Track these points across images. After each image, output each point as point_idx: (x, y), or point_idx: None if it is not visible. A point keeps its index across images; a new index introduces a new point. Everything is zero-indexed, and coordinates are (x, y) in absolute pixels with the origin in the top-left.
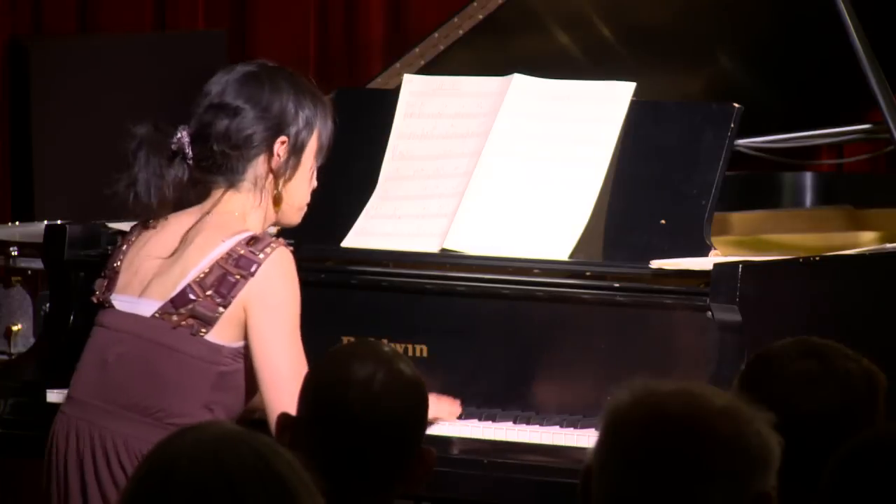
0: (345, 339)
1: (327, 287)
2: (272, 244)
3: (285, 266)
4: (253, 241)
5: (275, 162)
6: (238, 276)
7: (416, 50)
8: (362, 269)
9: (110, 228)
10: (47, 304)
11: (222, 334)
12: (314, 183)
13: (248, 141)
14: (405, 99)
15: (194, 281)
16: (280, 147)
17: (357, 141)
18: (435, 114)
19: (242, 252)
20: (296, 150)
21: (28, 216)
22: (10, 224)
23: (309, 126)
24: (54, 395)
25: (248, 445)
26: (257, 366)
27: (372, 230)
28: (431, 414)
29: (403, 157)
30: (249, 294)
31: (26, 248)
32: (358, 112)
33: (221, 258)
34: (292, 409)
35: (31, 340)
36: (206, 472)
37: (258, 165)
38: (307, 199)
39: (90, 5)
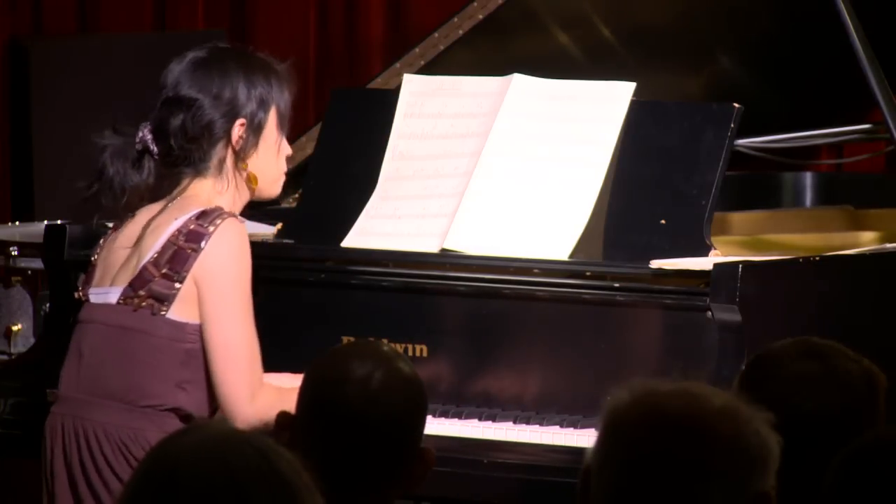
0: (345, 339)
1: (327, 287)
2: (222, 216)
3: (234, 237)
4: (202, 215)
5: (235, 144)
6: (189, 250)
7: (416, 50)
8: (362, 269)
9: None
10: (47, 304)
11: (182, 311)
12: (287, 150)
13: (205, 131)
14: (405, 99)
15: (150, 261)
16: (239, 130)
17: (357, 141)
18: (435, 114)
19: (192, 227)
20: (255, 130)
21: (28, 216)
22: (10, 224)
23: (264, 104)
24: (54, 396)
25: (251, 445)
26: (207, 339)
27: (372, 230)
28: None
29: (403, 157)
30: (199, 268)
31: (26, 248)
32: (358, 112)
33: (173, 235)
34: (243, 385)
35: (31, 340)
36: (211, 471)
37: (220, 151)
38: (282, 168)
39: (90, 5)
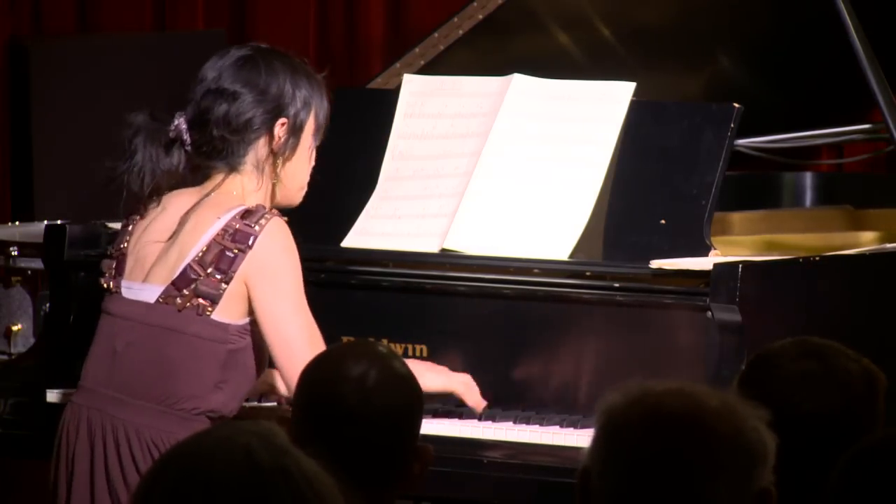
0: (345, 339)
1: (327, 287)
2: (266, 215)
3: (282, 235)
4: (247, 213)
5: (275, 144)
6: (236, 251)
7: (416, 50)
8: (362, 269)
9: (110, 228)
10: (47, 304)
11: (227, 311)
12: (313, 161)
13: (248, 125)
14: (405, 99)
15: (194, 260)
16: (280, 129)
17: (357, 141)
18: (435, 114)
19: (238, 226)
20: (295, 131)
21: (28, 216)
22: (10, 224)
23: (307, 106)
24: (54, 395)
25: (275, 445)
26: (268, 338)
27: (372, 230)
28: (456, 388)
29: (403, 156)
30: (249, 267)
31: (26, 248)
32: (358, 112)
33: (218, 234)
34: None
35: (31, 340)
36: (239, 470)
37: (259, 148)
38: (307, 178)
39: (90, 5)
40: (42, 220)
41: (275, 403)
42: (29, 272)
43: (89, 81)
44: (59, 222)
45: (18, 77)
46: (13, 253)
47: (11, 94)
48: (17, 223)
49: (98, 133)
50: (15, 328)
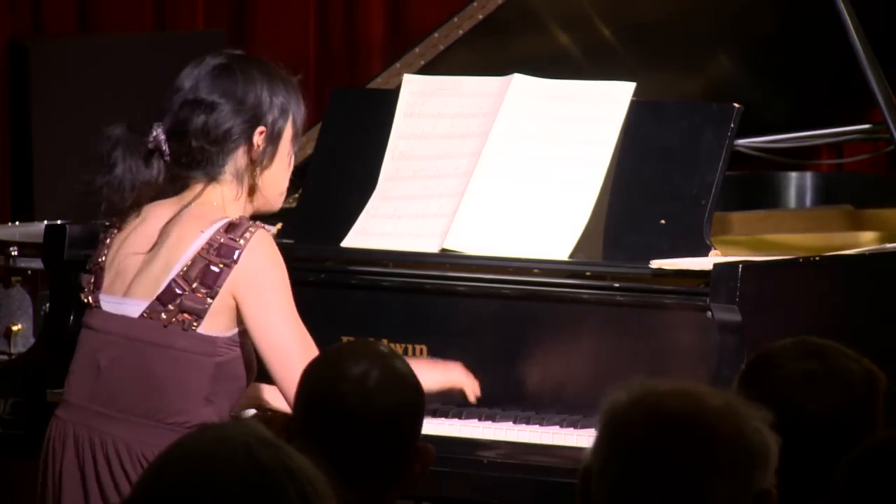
0: (344, 339)
1: (327, 287)
2: (250, 228)
3: (266, 247)
4: (231, 227)
5: (254, 153)
6: (221, 266)
7: (416, 50)
8: (362, 269)
9: (113, 228)
10: (47, 304)
11: (214, 325)
12: (292, 165)
13: (226, 135)
14: (405, 99)
15: (178, 275)
16: (259, 137)
17: (357, 141)
18: (435, 114)
19: (222, 240)
20: (273, 139)
21: (28, 216)
22: (10, 224)
23: (284, 113)
24: (54, 396)
25: (270, 443)
26: (262, 351)
27: (372, 230)
28: (456, 381)
29: (403, 157)
30: (235, 282)
31: (26, 248)
32: (358, 112)
33: (203, 249)
34: None
35: (31, 340)
36: (244, 469)
37: (237, 157)
38: (286, 182)
39: (90, 5)
40: (42, 220)
41: (253, 411)
42: (29, 272)
43: (89, 81)
44: (59, 222)
45: (18, 77)
46: (13, 253)
47: (11, 94)
48: (17, 223)
49: (98, 133)
50: (15, 328)
